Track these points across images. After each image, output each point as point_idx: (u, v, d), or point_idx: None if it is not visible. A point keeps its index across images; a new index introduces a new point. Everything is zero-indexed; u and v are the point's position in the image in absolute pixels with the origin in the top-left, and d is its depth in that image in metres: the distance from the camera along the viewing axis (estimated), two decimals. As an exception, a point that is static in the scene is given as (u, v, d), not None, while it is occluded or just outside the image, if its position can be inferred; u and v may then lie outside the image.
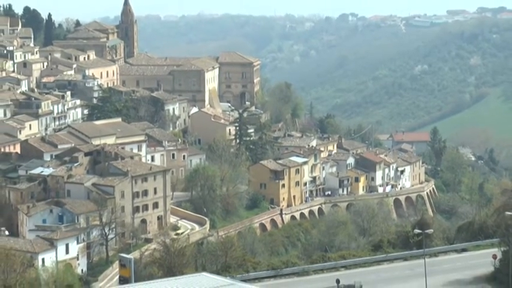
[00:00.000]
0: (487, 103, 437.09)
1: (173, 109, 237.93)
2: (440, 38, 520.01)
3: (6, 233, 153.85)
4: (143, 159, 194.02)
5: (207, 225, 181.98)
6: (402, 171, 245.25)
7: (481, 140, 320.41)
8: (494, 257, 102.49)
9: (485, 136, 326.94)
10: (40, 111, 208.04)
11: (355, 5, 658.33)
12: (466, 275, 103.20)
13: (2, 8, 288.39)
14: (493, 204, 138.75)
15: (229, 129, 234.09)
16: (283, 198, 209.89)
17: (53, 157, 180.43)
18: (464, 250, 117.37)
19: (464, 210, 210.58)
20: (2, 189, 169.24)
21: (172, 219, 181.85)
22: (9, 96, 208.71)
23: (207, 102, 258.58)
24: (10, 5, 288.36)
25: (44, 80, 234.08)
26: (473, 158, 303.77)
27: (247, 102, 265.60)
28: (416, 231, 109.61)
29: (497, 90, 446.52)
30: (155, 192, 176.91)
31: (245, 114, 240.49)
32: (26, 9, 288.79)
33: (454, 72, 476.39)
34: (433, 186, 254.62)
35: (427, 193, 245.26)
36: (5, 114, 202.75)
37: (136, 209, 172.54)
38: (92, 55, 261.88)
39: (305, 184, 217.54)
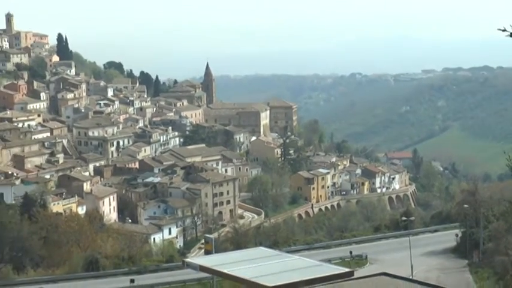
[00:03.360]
0: (450, 132, 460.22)
1: (239, 138, 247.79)
2: (418, 88, 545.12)
3: (130, 221, 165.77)
4: (219, 171, 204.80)
5: (262, 215, 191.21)
6: (393, 178, 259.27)
7: (446, 156, 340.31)
8: (456, 235, 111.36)
9: (449, 154, 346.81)
10: (151, 140, 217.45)
11: (360, 66, 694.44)
12: (437, 248, 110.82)
13: (125, 72, 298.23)
14: (455, 200, 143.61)
15: (277, 151, 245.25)
16: (313, 197, 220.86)
17: (160, 170, 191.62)
18: (436, 231, 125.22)
19: (435, 204, 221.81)
20: (126, 192, 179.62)
21: (239, 211, 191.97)
22: (131, 130, 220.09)
23: (262, 132, 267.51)
24: (131, 70, 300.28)
25: (154, 119, 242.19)
26: (441, 169, 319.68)
27: (288, 133, 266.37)
28: (404, 218, 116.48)
29: (456, 123, 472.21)
30: (228, 193, 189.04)
31: (287, 141, 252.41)
32: (142, 73, 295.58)
33: (427, 111, 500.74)
34: (414, 188, 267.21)
35: (410, 193, 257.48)
36: (128, 142, 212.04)
37: (215, 205, 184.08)
38: (185, 102, 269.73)
39: (328, 187, 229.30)
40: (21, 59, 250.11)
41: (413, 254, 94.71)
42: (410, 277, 77.48)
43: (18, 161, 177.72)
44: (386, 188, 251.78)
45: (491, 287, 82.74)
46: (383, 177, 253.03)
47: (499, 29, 24.36)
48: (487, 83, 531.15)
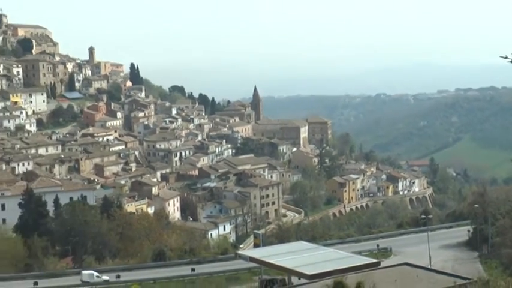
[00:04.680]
0: (462, 143, 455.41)
1: (282, 149, 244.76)
2: (434, 106, 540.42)
3: (191, 219, 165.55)
4: (266, 177, 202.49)
5: (302, 214, 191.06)
6: (413, 182, 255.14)
7: (459, 163, 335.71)
8: (468, 231, 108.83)
9: (461, 161, 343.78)
10: (208, 151, 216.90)
11: (385, 88, 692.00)
12: (452, 241, 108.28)
13: (187, 94, 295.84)
14: (467, 200, 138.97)
15: (314, 160, 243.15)
16: (345, 198, 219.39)
17: (216, 177, 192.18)
18: (451, 227, 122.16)
19: (450, 204, 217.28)
20: (188, 195, 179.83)
21: (283, 210, 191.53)
22: (191, 143, 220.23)
23: (301, 144, 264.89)
24: (191, 92, 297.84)
25: (210, 133, 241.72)
26: (454, 174, 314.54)
27: (324, 144, 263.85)
28: (423, 216, 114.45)
29: (467, 135, 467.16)
30: (273, 196, 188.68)
31: (323, 151, 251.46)
32: (200, 95, 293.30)
33: (442, 125, 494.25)
34: (432, 191, 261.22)
35: (428, 195, 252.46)
36: (189, 153, 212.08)
37: (262, 205, 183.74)
38: (237, 119, 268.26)
39: (358, 190, 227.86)
40: (101, 85, 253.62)
41: (431, 247, 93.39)
42: (429, 266, 78.79)
43: (99, 169, 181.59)
44: (408, 191, 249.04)
45: (499, 276, 79.05)
46: (405, 182, 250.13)
47: (501, 57, 24.14)
48: (493, 100, 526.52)
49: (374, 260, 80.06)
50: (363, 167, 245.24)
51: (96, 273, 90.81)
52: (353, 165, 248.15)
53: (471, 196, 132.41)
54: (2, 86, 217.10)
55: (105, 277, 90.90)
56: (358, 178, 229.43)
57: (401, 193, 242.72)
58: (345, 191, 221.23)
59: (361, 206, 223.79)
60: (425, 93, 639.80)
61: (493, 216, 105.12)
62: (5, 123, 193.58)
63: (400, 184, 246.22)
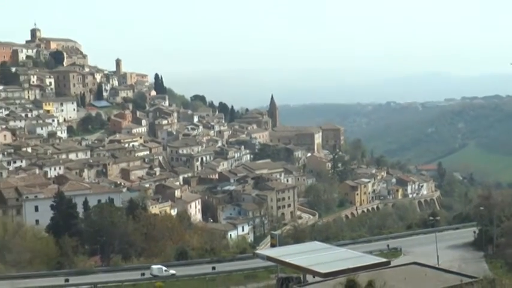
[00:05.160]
0: (468, 148, 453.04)
1: (298, 154, 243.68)
2: (441, 113, 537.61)
3: (211, 220, 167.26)
4: (282, 181, 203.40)
5: (316, 216, 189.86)
6: (422, 186, 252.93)
7: (465, 168, 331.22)
8: (474, 232, 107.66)
9: (467, 166, 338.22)
10: (228, 156, 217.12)
11: (394, 96, 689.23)
12: (458, 242, 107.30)
13: (207, 103, 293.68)
14: (473, 203, 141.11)
15: (328, 164, 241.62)
16: (357, 201, 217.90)
17: (235, 180, 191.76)
18: (457, 228, 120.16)
19: (456, 206, 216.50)
20: (208, 197, 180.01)
21: (298, 212, 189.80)
22: (212, 149, 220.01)
23: (315, 150, 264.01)
24: (212, 101, 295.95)
25: (230, 140, 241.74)
26: (461, 178, 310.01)
27: (337, 150, 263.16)
28: (431, 218, 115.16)
29: (473, 141, 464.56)
30: (288, 198, 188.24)
31: (336, 156, 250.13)
32: (220, 103, 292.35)
33: (449, 132, 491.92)
34: (439, 194, 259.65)
35: (436, 198, 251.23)
36: (210, 158, 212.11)
37: (278, 207, 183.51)
38: (254, 126, 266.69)
39: (369, 193, 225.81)
40: (127, 94, 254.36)
41: (439, 247, 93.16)
42: (437, 265, 78.86)
43: (125, 174, 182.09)
44: (416, 194, 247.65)
45: (504, 275, 79.22)
46: (413, 185, 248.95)
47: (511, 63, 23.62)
48: (498, 108, 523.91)
49: (384, 260, 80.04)
50: (374, 171, 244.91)
51: (164, 268, 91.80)
52: (364, 170, 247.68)
53: (477, 199, 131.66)
54: (35, 96, 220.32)
55: (172, 271, 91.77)
56: (369, 182, 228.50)
57: (410, 196, 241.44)
58: (357, 194, 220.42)
59: (372, 208, 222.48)
60: (432, 101, 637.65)
61: (497, 218, 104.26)
62: (38, 131, 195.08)
63: (409, 187, 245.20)
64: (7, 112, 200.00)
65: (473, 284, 65.55)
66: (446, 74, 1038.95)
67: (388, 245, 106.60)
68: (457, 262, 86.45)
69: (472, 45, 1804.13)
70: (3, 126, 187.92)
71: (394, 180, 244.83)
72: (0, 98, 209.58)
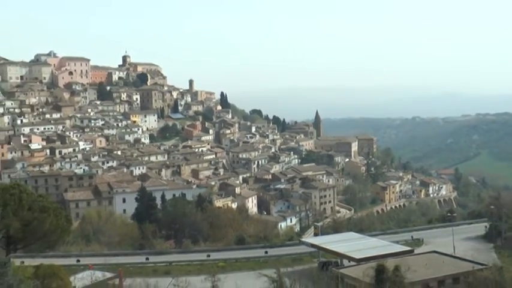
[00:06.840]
0: (481, 156, 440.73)
1: (337, 159, 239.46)
2: (459, 127, 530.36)
3: (265, 213, 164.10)
4: (324, 181, 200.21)
5: (352, 211, 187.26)
6: (441, 187, 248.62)
7: (479, 173, 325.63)
8: (485, 226, 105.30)
9: (480, 171, 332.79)
10: (279, 160, 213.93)
11: (419, 112, 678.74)
12: (472, 235, 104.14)
13: (263, 116, 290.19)
14: (484, 202, 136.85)
15: (363, 168, 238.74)
16: (387, 199, 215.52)
17: (285, 180, 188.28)
18: (471, 223, 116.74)
19: (470, 205, 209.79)
20: (263, 194, 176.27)
21: (337, 208, 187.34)
22: (266, 154, 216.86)
23: (352, 156, 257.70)
24: (267, 114, 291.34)
25: (281, 147, 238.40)
26: (475, 181, 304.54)
27: (370, 156, 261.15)
28: (448, 214, 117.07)
29: (485, 151, 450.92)
30: (329, 196, 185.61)
31: (369, 162, 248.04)
32: (274, 116, 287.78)
33: (465, 142, 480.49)
34: (456, 194, 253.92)
35: (453, 197, 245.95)
36: (264, 162, 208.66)
37: (321, 203, 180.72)
38: (302, 136, 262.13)
39: (396, 193, 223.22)
40: (197, 108, 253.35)
41: (455, 239, 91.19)
42: (453, 254, 79.73)
43: (195, 173, 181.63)
44: (437, 194, 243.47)
45: (510, 263, 78.69)
46: (434, 187, 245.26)
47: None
48: (508, 123, 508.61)
49: (409, 248, 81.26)
50: (401, 174, 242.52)
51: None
52: (393, 173, 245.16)
53: (488, 199, 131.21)
54: (125, 109, 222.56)
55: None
56: (397, 183, 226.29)
57: (431, 196, 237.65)
58: (386, 193, 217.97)
59: (399, 206, 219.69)
60: (451, 116, 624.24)
61: (506, 215, 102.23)
62: (126, 137, 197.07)
63: (430, 188, 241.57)
64: (102, 122, 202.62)
65: (483, 270, 65.01)
66: (463, 93, 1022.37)
67: (412, 236, 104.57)
68: (470, 252, 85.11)
69: (486, 68, 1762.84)
70: (100, 134, 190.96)
71: (418, 182, 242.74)
72: (97, 110, 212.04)
